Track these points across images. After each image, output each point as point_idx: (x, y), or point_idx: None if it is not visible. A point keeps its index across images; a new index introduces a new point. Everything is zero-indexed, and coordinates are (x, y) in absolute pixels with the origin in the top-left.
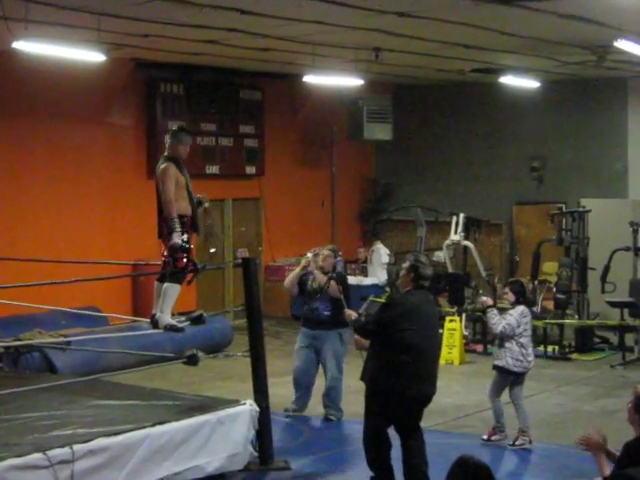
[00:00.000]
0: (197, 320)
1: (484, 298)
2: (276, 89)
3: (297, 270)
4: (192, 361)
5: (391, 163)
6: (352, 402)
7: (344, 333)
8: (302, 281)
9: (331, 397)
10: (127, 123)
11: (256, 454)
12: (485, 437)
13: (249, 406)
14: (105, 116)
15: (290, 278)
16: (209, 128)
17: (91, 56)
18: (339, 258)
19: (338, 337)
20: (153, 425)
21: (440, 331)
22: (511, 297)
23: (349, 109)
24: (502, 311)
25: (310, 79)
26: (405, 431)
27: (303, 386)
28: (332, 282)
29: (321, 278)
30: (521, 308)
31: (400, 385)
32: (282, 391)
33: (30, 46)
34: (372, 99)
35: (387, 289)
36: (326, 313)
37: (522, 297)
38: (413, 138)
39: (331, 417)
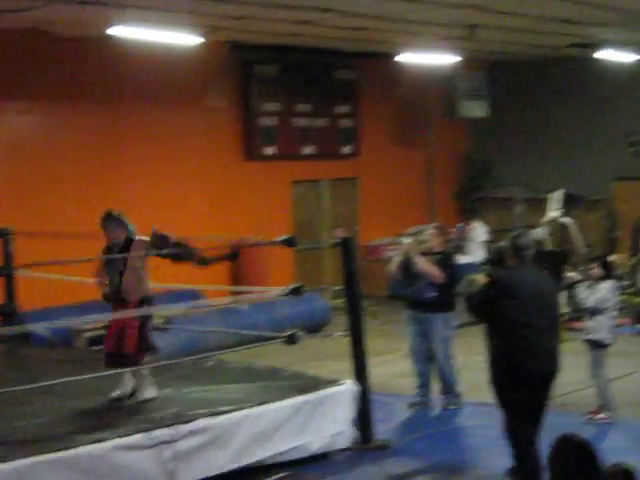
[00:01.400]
0: (296, 291)
1: (572, 274)
2: (371, 68)
3: (399, 257)
4: (292, 340)
5: (487, 140)
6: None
7: (450, 317)
8: (406, 265)
9: (445, 384)
10: (222, 105)
11: (357, 433)
12: (590, 415)
13: (349, 386)
14: (201, 99)
15: (393, 266)
16: (304, 109)
17: (188, 39)
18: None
19: (443, 321)
20: (254, 405)
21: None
22: (598, 272)
23: (444, 87)
24: (589, 287)
25: (405, 57)
26: (535, 413)
27: (420, 372)
28: (429, 266)
29: (421, 263)
30: (609, 282)
31: (514, 365)
32: (381, 371)
33: (126, 31)
34: (467, 76)
35: (485, 267)
36: (430, 295)
37: (609, 272)
38: (509, 115)
39: (450, 406)
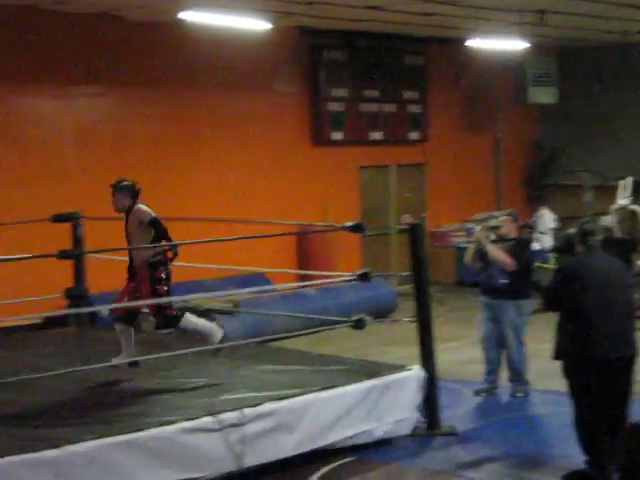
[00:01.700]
0: (364, 276)
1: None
2: (439, 54)
3: (472, 246)
4: (359, 325)
5: (556, 127)
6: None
7: (522, 304)
8: (481, 252)
9: (514, 371)
10: (291, 91)
11: (423, 419)
12: None
13: (416, 371)
14: (270, 84)
15: (468, 256)
16: (372, 94)
17: (257, 25)
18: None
19: (515, 308)
20: (321, 390)
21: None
22: None
23: (513, 73)
24: None
25: (473, 43)
26: (611, 401)
27: (490, 359)
28: (499, 254)
29: (492, 250)
30: None
31: (585, 351)
32: (447, 357)
33: (197, 16)
34: (536, 62)
35: (553, 255)
36: (502, 282)
37: None
38: (578, 101)
39: (518, 394)
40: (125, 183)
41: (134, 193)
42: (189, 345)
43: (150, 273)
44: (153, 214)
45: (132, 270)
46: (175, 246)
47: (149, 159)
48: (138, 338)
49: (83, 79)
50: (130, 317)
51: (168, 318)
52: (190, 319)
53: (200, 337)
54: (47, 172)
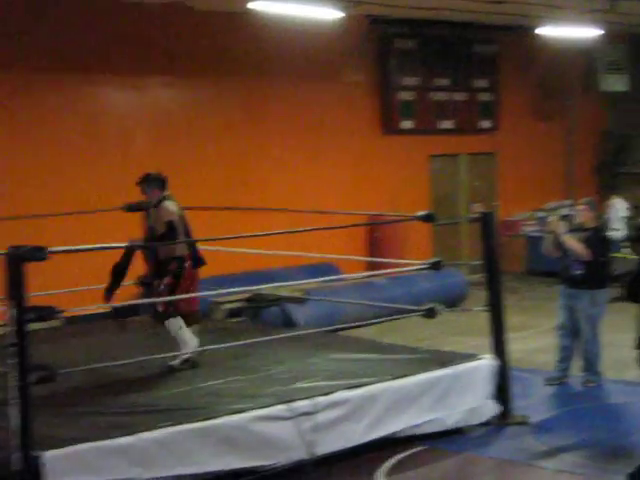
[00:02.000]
0: (435, 265)
1: None
2: (510, 42)
3: (549, 235)
4: (430, 314)
5: (628, 115)
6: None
7: (597, 294)
8: (557, 242)
9: (587, 361)
10: (361, 79)
11: (495, 409)
12: None
13: (488, 360)
14: (340, 73)
15: (546, 245)
16: (443, 83)
17: (327, 14)
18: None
19: (590, 298)
20: (392, 378)
21: None
22: None
23: (584, 61)
24: None
25: (545, 31)
26: None
27: (564, 347)
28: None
29: (567, 240)
30: None
31: None
32: (518, 346)
33: (267, 6)
34: (608, 50)
35: (626, 244)
36: (578, 272)
37: None
38: None
39: (589, 384)
40: (148, 176)
41: (162, 184)
42: (261, 334)
43: (164, 266)
44: (173, 216)
45: (155, 265)
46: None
47: (221, 148)
48: (210, 326)
49: (156, 69)
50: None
51: (159, 312)
52: (177, 323)
53: (179, 342)
54: (121, 161)
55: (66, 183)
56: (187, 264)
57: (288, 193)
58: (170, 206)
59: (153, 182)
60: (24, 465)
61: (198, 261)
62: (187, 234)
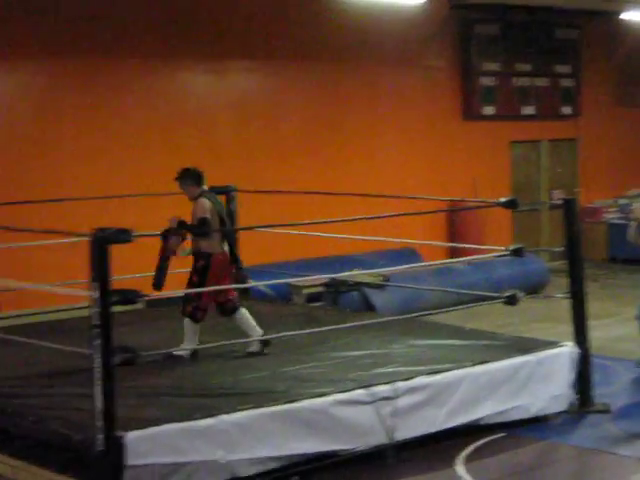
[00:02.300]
0: (517, 252)
1: None
2: (593, 27)
3: (633, 223)
4: (512, 301)
5: None
6: None
7: None
8: None
9: None
10: (442, 65)
11: (576, 396)
12: None
13: (569, 348)
14: (421, 59)
15: (630, 233)
16: (524, 68)
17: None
18: None
19: None
20: (473, 365)
21: None
22: None
23: None
24: None
25: (628, 16)
26: None
27: None
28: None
29: None
30: None
31: None
32: (600, 334)
33: None
34: None
35: None
36: None
37: None
38: None
39: None
40: (184, 172)
41: (197, 179)
42: (341, 319)
43: (194, 262)
44: (206, 214)
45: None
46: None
47: (301, 133)
48: (290, 311)
49: (237, 53)
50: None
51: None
52: (191, 325)
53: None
54: (201, 145)
55: (147, 167)
56: (215, 258)
57: (368, 178)
58: (205, 203)
59: (189, 178)
60: (107, 446)
61: (235, 261)
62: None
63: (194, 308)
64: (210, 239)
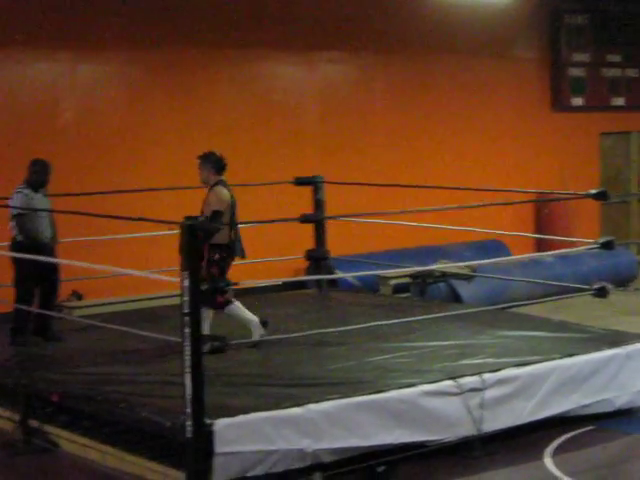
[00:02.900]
0: (607, 245)
1: None
2: None
3: None
4: (601, 293)
5: None
6: None
7: None
8: None
9: None
10: (531, 56)
11: None
12: None
13: None
14: (510, 50)
15: None
16: (614, 59)
17: None
18: None
19: None
20: (562, 357)
21: None
22: None
23: None
24: None
25: None
26: None
27: None
28: None
29: None
30: None
31: None
32: None
33: None
34: None
35: None
36: None
37: None
38: None
39: None
40: (209, 154)
41: (219, 167)
42: (428, 310)
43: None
44: (222, 207)
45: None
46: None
47: (388, 125)
48: (377, 302)
49: (325, 45)
50: None
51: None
52: (237, 308)
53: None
54: (289, 137)
55: (234, 156)
56: (228, 248)
57: (455, 170)
58: (223, 194)
59: (211, 162)
60: (196, 433)
61: (241, 252)
62: (234, 222)
63: (224, 297)
64: (222, 230)
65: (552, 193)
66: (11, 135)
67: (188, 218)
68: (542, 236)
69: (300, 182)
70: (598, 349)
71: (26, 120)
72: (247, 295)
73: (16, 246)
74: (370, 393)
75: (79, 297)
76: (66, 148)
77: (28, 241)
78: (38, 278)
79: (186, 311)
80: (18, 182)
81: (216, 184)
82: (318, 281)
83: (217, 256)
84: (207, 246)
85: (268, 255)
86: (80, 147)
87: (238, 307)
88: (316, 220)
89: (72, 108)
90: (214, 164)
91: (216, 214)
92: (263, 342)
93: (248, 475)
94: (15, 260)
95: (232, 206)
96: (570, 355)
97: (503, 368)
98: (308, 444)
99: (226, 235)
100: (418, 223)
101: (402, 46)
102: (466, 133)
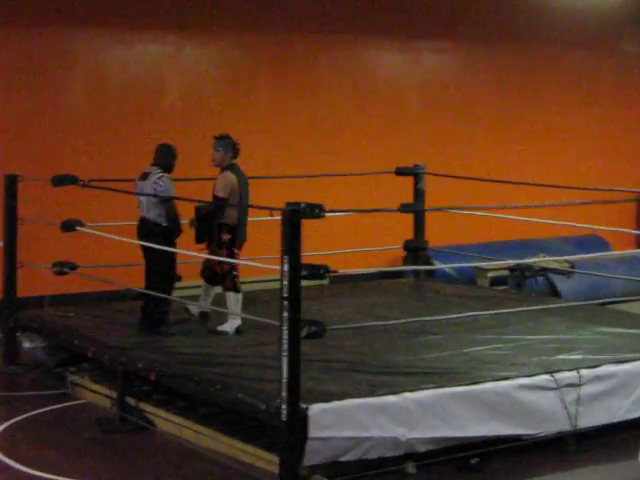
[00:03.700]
0: None
1: None
2: None
3: None
4: None
5: None
6: None
7: None
8: None
9: None
10: (636, 50)
11: None
12: None
13: None
14: (615, 43)
15: None
16: None
17: None
18: None
19: None
20: None
21: None
22: None
23: None
24: None
25: None
26: None
27: None
28: None
29: None
30: None
31: None
32: None
33: None
34: None
35: None
36: None
37: None
38: None
39: None
40: (226, 137)
41: (235, 150)
42: (526, 303)
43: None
44: (225, 194)
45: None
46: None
47: (489, 116)
48: (475, 293)
49: (428, 34)
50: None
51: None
52: (235, 297)
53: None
54: (388, 126)
55: (333, 146)
56: (237, 229)
57: (557, 163)
58: (231, 179)
59: (228, 146)
60: (291, 416)
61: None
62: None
63: (234, 280)
64: (231, 211)
65: None
66: (115, 117)
67: (290, 204)
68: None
69: (401, 172)
70: None
71: (130, 102)
72: (345, 283)
73: (164, 232)
74: (466, 384)
75: (179, 278)
76: (170, 131)
77: (172, 227)
78: None
79: (285, 295)
80: (121, 164)
81: (227, 168)
82: (415, 271)
83: (226, 237)
84: (217, 228)
85: (366, 244)
86: (183, 130)
87: (237, 300)
88: (415, 210)
89: (176, 91)
90: (232, 147)
91: (218, 200)
92: (358, 329)
93: (340, 460)
94: (154, 246)
95: (242, 188)
96: None
97: (601, 365)
98: (402, 433)
99: (234, 217)
100: (517, 216)
101: (506, 37)
102: (568, 128)
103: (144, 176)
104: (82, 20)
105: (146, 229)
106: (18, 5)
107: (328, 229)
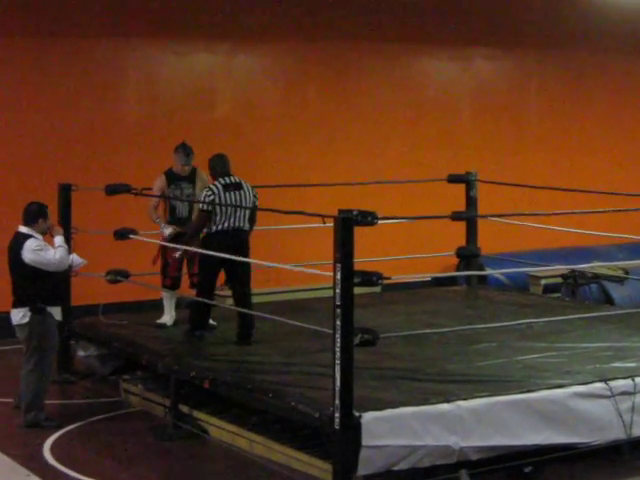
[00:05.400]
0: None
1: None
2: None
3: None
4: None
5: None
6: None
7: None
8: None
9: None
10: None
11: None
12: None
13: None
14: None
15: None
16: None
17: None
18: None
19: None
20: None
21: None
22: None
23: None
24: None
25: None
26: None
27: None
28: None
29: None
30: None
31: None
32: None
33: None
34: None
35: None
36: None
37: None
38: None
39: None
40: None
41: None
42: (579, 311)
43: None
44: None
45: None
46: None
47: (542, 124)
48: (528, 301)
49: (481, 41)
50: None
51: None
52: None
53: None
54: (441, 133)
55: (385, 153)
56: None
57: (608, 169)
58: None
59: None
60: (344, 425)
61: None
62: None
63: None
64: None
65: None
66: (166, 126)
67: (342, 211)
68: None
69: (453, 180)
70: None
71: (182, 111)
72: (397, 290)
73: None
74: (519, 392)
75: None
76: (221, 139)
77: None
78: None
79: (338, 303)
80: None
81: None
82: (468, 278)
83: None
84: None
85: (419, 251)
86: (235, 138)
87: (168, 298)
88: (467, 218)
89: (228, 100)
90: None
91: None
92: (411, 337)
93: (393, 469)
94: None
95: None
96: None
97: None
98: (455, 441)
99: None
100: (570, 229)
101: (558, 45)
102: (619, 136)
103: (236, 186)
104: (135, 32)
105: (240, 239)
106: (72, 18)
107: (380, 237)
